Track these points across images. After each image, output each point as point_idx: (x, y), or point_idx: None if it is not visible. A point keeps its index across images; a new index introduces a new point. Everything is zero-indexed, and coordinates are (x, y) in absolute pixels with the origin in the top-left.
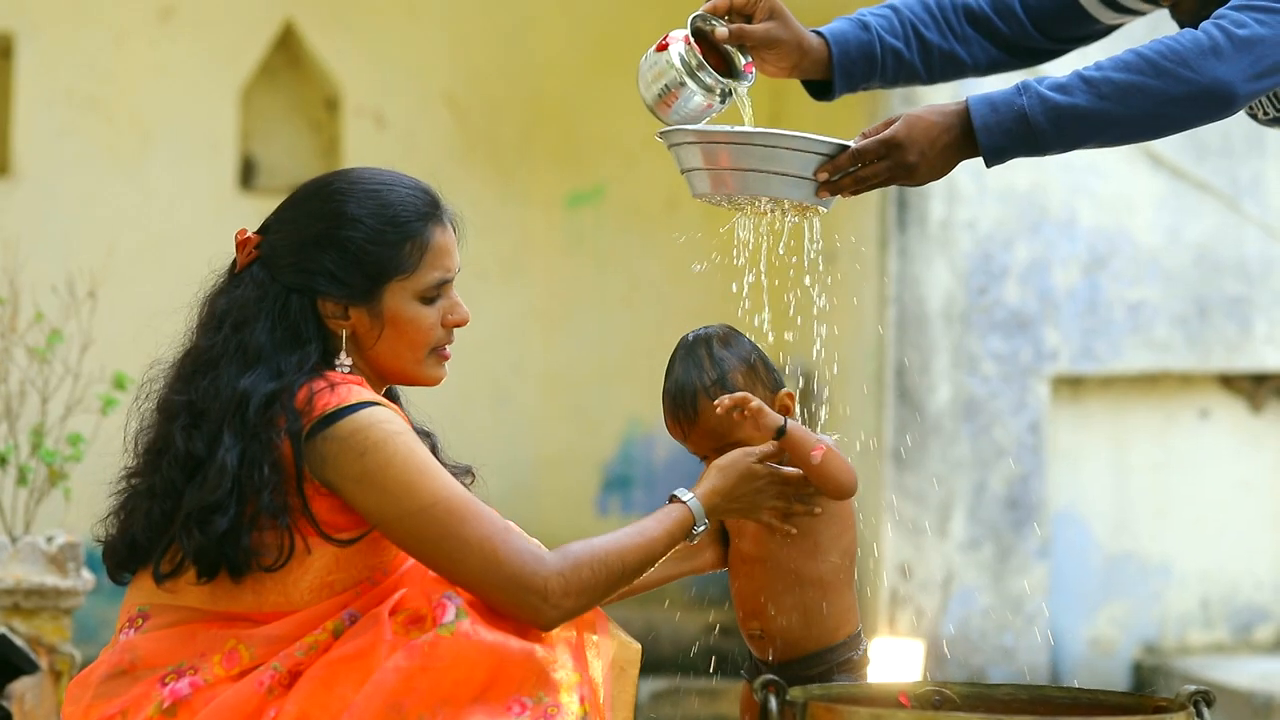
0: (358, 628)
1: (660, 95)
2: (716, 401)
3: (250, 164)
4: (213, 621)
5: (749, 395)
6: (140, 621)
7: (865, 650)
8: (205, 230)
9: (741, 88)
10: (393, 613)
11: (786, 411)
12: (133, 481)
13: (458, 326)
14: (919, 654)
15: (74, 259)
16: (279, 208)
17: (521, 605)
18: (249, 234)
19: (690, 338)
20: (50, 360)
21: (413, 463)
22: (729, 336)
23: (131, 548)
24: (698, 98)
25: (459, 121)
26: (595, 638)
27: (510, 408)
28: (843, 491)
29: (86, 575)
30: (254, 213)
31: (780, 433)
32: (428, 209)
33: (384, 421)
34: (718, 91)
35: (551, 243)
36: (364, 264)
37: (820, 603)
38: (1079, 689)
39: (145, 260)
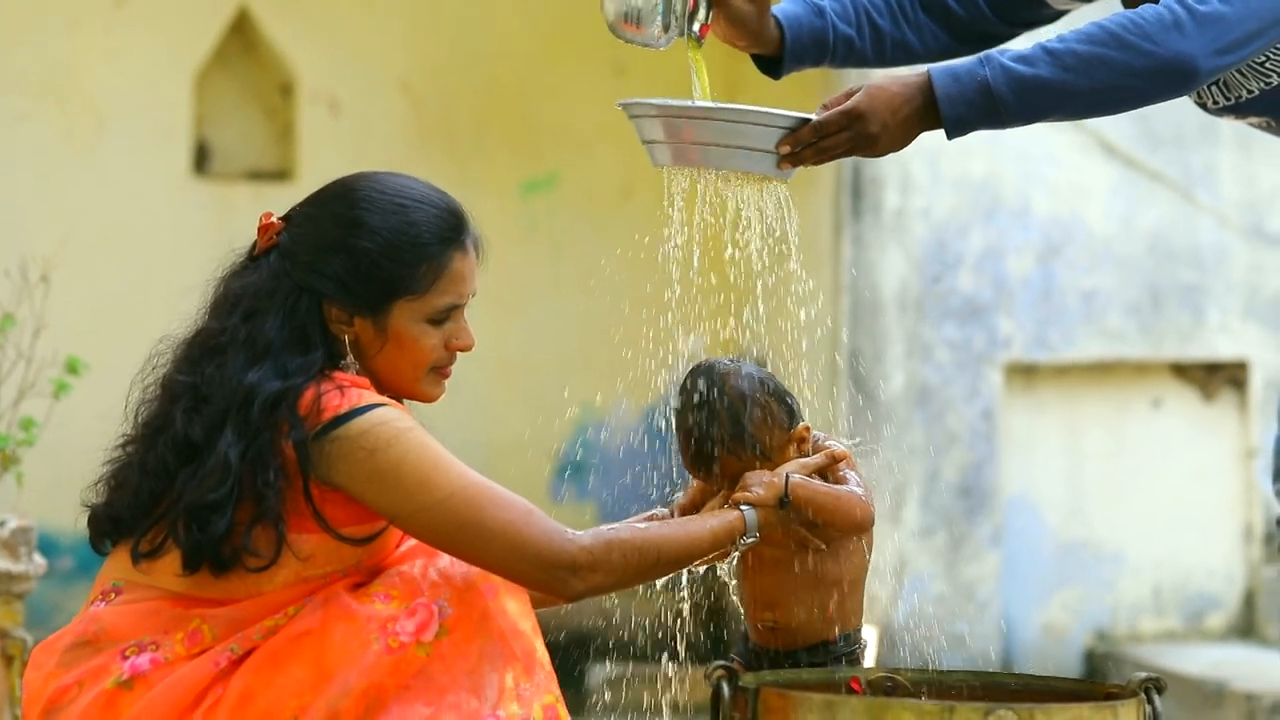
0: (309, 608)
1: (626, 15)
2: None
3: (204, 150)
4: (178, 600)
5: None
6: (113, 596)
7: (864, 645)
8: (159, 216)
9: (699, 50)
10: (352, 587)
11: (803, 443)
12: (127, 449)
13: (461, 351)
14: (872, 640)
15: (27, 243)
16: (305, 200)
17: (550, 580)
18: (273, 219)
19: (700, 380)
20: (3, 345)
21: (425, 457)
22: (739, 375)
23: (115, 521)
24: (654, 32)
25: (414, 108)
26: None
27: (464, 394)
28: (858, 531)
29: (39, 560)
30: (208, 199)
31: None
32: (450, 233)
33: (393, 419)
34: (670, 39)
35: (506, 230)
36: (374, 278)
37: (839, 598)
38: (1031, 676)
39: (99, 245)
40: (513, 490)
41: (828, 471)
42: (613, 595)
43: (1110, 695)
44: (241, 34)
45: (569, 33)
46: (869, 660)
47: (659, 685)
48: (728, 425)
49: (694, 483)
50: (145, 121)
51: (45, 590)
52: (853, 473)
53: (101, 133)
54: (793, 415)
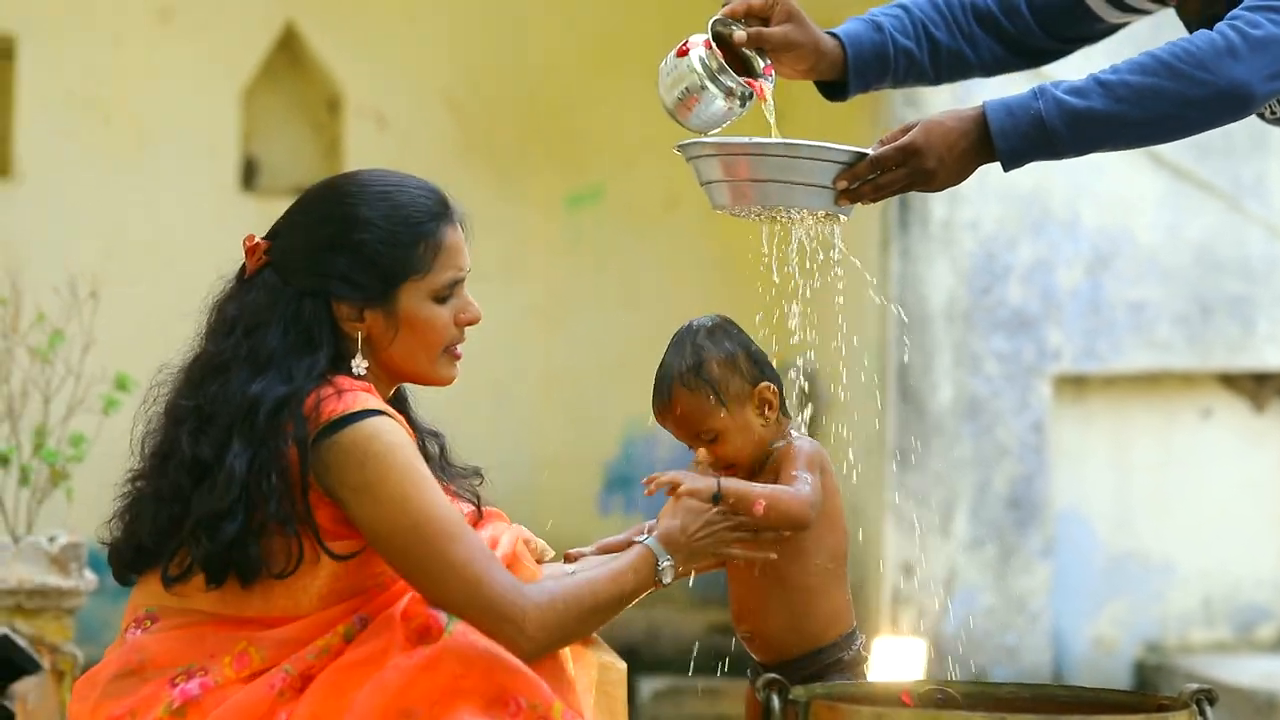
0: (370, 631)
1: (681, 99)
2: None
3: (252, 165)
4: (222, 624)
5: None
6: (148, 623)
7: (859, 648)
8: (207, 231)
9: (766, 88)
10: (404, 618)
11: (768, 407)
12: (138, 484)
13: (470, 325)
14: (921, 653)
15: (76, 260)
16: (287, 212)
17: (496, 633)
18: (258, 239)
19: (684, 327)
20: (52, 361)
21: (410, 477)
22: (718, 327)
23: (138, 551)
24: (719, 101)
25: (459, 122)
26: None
27: (511, 408)
28: (796, 526)
29: (89, 575)
30: (255, 214)
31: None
32: (439, 209)
33: (387, 433)
34: (738, 95)
35: (551, 242)
36: (378, 266)
37: (807, 606)
38: (1081, 688)
39: (147, 261)
40: (562, 503)
41: (780, 475)
42: (660, 607)
43: (1162, 707)
44: (289, 50)
45: (613, 45)
46: (919, 672)
47: (706, 698)
48: (689, 358)
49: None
50: (193, 137)
51: (95, 606)
52: (806, 473)
53: (149, 148)
54: (762, 374)
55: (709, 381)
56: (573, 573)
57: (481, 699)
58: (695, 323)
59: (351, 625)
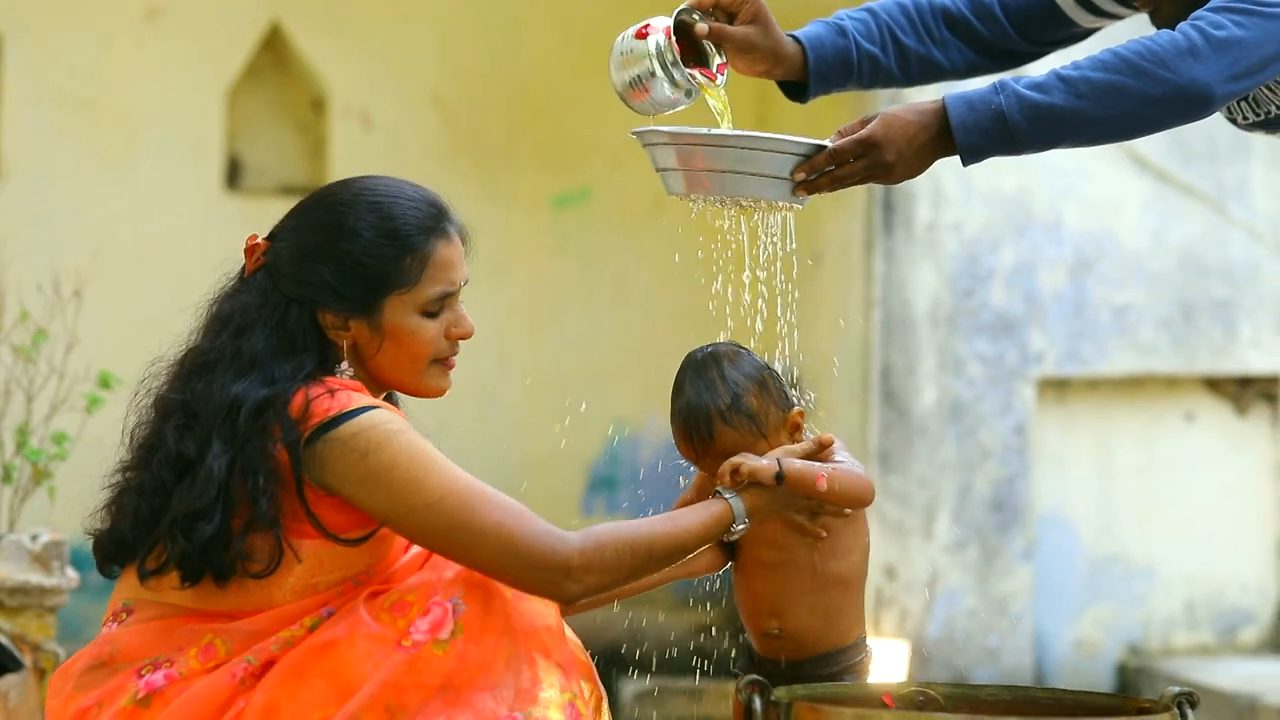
0: (331, 620)
1: (630, 84)
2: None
3: (236, 164)
4: (191, 617)
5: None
6: (124, 616)
7: (870, 654)
8: (191, 230)
9: (715, 87)
10: (371, 597)
11: (797, 429)
12: (126, 475)
13: (462, 339)
14: (904, 655)
15: (60, 258)
16: (288, 215)
17: (542, 583)
18: (259, 240)
19: (699, 357)
20: (35, 359)
21: (418, 459)
22: (737, 355)
23: (119, 543)
24: (666, 90)
25: (446, 122)
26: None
27: (496, 408)
28: (859, 504)
29: (71, 573)
30: (240, 213)
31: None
32: (430, 222)
33: (385, 422)
34: (685, 89)
35: (538, 243)
36: (362, 277)
37: (842, 601)
38: (1063, 690)
39: (131, 260)
40: (545, 504)
41: (819, 457)
42: (643, 608)
43: (1143, 710)
44: (273, 49)
45: (600, 46)
46: (901, 674)
47: (689, 699)
48: (725, 394)
49: (695, 479)
50: (177, 136)
51: (77, 604)
52: (846, 454)
53: (134, 147)
54: (789, 400)
55: (750, 415)
56: None
57: (471, 708)
58: (710, 352)
59: (318, 618)
